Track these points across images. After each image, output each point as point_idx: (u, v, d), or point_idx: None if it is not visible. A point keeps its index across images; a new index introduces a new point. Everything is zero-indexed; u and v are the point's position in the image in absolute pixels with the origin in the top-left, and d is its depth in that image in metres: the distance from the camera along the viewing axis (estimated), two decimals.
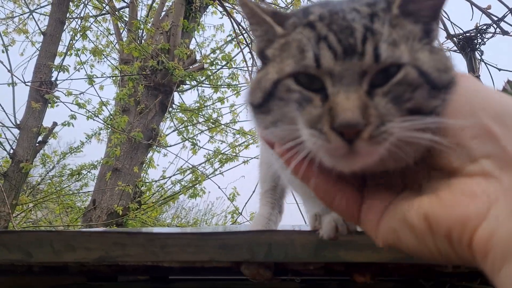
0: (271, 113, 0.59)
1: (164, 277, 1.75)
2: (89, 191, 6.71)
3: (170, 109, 5.93)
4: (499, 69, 2.14)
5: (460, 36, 2.06)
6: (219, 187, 4.20)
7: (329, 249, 0.77)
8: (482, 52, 2.05)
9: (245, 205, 3.72)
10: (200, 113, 6.20)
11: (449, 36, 2.10)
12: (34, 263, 0.87)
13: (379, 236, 0.55)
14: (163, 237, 0.79)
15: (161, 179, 6.05)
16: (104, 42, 7.37)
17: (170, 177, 6.06)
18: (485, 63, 2.04)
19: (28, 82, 4.26)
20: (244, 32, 4.50)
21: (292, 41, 0.58)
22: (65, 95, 5.42)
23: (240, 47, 3.59)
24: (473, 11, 2.04)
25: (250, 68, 3.66)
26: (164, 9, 6.95)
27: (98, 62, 6.85)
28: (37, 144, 4.83)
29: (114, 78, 6.74)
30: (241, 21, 4.16)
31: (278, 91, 0.58)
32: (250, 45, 3.72)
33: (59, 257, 0.83)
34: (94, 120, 5.82)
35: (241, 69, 6.43)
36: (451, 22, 2.13)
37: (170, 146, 5.94)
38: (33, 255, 0.83)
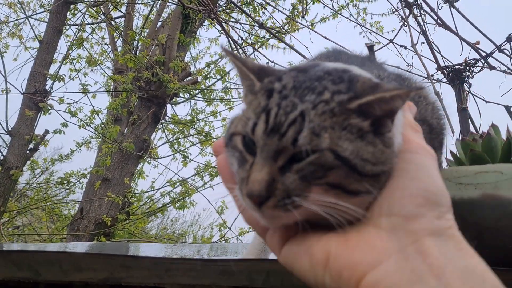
0: (229, 151, 0.67)
1: None
2: (76, 200, 6.68)
3: (163, 120, 5.96)
4: (486, 101, 2.24)
5: (450, 69, 2.15)
6: (209, 201, 4.25)
7: None
8: (470, 85, 2.15)
9: (234, 221, 3.75)
10: (192, 126, 6.24)
11: (439, 68, 2.19)
12: (42, 281, 0.91)
13: (282, 254, 0.63)
14: (167, 261, 0.84)
15: (151, 190, 6.05)
16: (98, 51, 7.41)
17: (159, 188, 6.07)
18: (473, 95, 2.14)
19: (25, 93, 4.26)
20: (239, 48, 4.59)
21: (253, 102, 0.64)
22: (58, 103, 5.45)
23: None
24: (462, 46, 2.14)
25: None
26: (160, 19, 7.03)
27: (92, 70, 6.89)
28: (27, 152, 4.83)
29: (108, 88, 6.76)
30: (238, 39, 4.24)
31: (232, 142, 0.65)
32: None
33: (67, 277, 0.87)
34: (86, 129, 5.82)
35: (234, 84, 6.51)
36: (442, 55, 2.23)
37: (161, 158, 5.96)
38: (41, 273, 0.87)
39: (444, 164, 1.03)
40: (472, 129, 1.95)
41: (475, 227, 0.78)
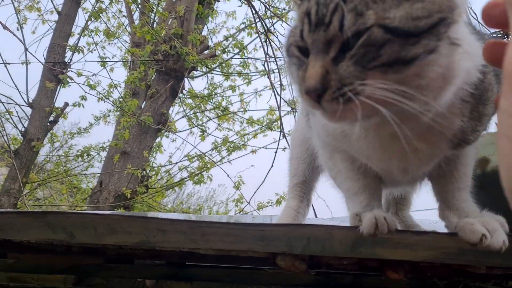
0: (290, 66, 0.69)
1: (181, 263, 1.78)
2: (95, 173, 6.75)
3: (180, 94, 5.93)
4: None
5: None
6: (227, 175, 4.23)
7: (366, 245, 0.79)
8: None
9: (253, 195, 3.75)
10: (210, 101, 6.20)
11: None
12: (75, 244, 0.89)
13: None
14: (204, 225, 0.81)
15: (168, 164, 6.08)
16: (115, 24, 7.35)
17: (177, 162, 6.09)
18: None
19: (46, 63, 4.25)
20: (259, 20, 4.49)
21: (299, 12, 0.65)
22: (77, 76, 5.44)
23: (259, 36, 3.58)
24: None
25: (267, 57, 3.65)
26: None
27: (109, 43, 6.85)
28: (48, 124, 4.87)
29: (125, 61, 6.72)
30: (259, 9, 4.14)
31: (289, 52, 0.67)
32: (266, 34, 3.71)
33: (100, 240, 0.85)
34: (104, 102, 5.82)
35: (253, 59, 6.42)
36: None
37: (179, 131, 5.95)
38: (76, 236, 0.85)
39: None
40: None
41: None
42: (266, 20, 4.57)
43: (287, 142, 3.12)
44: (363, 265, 0.85)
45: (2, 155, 4.76)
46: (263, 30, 3.91)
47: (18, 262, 1.83)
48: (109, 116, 7.01)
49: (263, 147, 5.50)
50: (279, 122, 6.23)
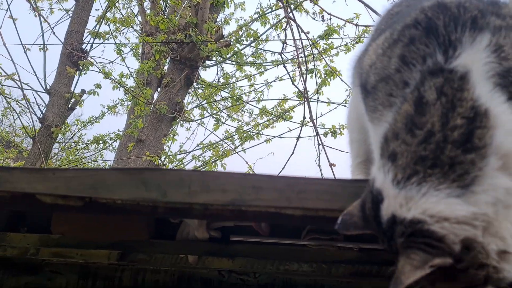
0: None
1: (225, 238, 1.80)
2: (108, 160, 6.78)
3: (195, 84, 5.94)
4: None
5: None
6: (246, 162, 4.25)
7: None
8: None
9: None
10: (224, 90, 6.20)
11: None
12: (161, 205, 0.90)
13: None
14: (303, 181, 0.82)
15: (183, 153, 6.10)
16: (124, 13, 7.33)
17: (191, 151, 6.11)
18: None
19: (65, 43, 4.25)
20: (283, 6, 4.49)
21: None
22: (92, 65, 5.44)
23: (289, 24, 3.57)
24: None
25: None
26: None
27: (120, 33, 6.84)
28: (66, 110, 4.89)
29: (138, 49, 6.71)
30: None
31: None
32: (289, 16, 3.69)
33: (192, 198, 0.86)
34: (120, 90, 5.83)
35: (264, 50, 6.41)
36: None
37: (195, 120, 5.97)
38: (168, 194, 0.86)
39: None
40: None
41: None
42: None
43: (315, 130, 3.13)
44: None
45: (20, 142, 4.77)
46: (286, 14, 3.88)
47: (63, 238, 1.85)
48: (122, 105, 7.03)
49: (277, 136, 5.51)
50: (291, 112, 6.26)
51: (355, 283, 1.80)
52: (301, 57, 3.96)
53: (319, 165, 3.68)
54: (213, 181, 0.84)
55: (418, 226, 0.68)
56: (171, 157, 5.82)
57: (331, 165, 2.69)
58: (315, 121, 3.56)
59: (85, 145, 7.21)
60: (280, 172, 3.83)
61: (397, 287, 0.65)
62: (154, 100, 5.90)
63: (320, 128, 5.70)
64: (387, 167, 0.73)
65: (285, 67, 5.12)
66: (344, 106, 5.06)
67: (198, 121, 6.03)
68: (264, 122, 6.17)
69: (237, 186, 0.84)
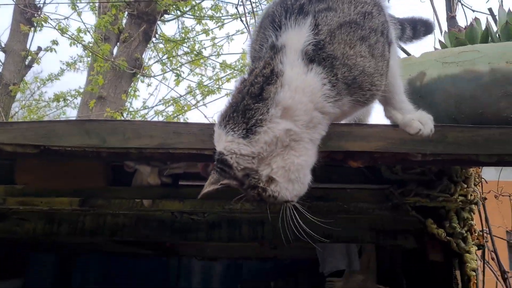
0: None
1: (175, 183, 2.02)
2: (71, 117, 6.80)
3: (154, 38, 5.95)
4: (473, 11, 2.41)
5: None
6: (205, 116, 4.43)
7: (333, 140, 1.05)
8: None
9: None
10: (183, 45, 6.25)
11: None
12: (104, 150, 1.11)
13: None
14: (212, 127, 1.04)
15: (145, 108, 6.20)
16: None
17: (153, 106, 6.22)
18: (462, 4, 2.30)
19: (19, 4, 4.20)
20: None
21: None
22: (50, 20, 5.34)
23: None
24: None
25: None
26: None
27: None
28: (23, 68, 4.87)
29: (94, 4, 6.59)
30: None
31: None
32: None
33: (127, 143, 1.07)
34: (77, 46, 5.80)
35: (224, 2, 6.43)
36: None
37: (154, 76, 6.03)
38: (107, 141, 1.07)
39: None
40: None
41: (456, 98, 1.00)
42: None
43: None
44: (332, 158, 1.11)
45: None
46: None
47: (27, 187, 2.05)
48: (81, 61, 6.97)
49: None
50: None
51: None
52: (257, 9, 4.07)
53: None
54: (142, 129, 1.05)
55: (220, 156, 0.97)
56: (133, 113, 5.92)
57: None
58: None
59: (46, 103, 7.14)
60: None
61: (199, 195, 1.02)
62: (113, 56, 5.90)
63: None
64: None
65: (242, 20, 5.22)
66: None
67: (158, 77, 6.09)
68: (226, 76, 6.31)
69: (161, 133, 1.05)
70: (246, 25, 3.79)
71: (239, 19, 5.68)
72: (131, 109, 6.04)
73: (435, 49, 1.16)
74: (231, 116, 0.96)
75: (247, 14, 5.58)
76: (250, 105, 0.94)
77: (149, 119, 6.80)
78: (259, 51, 1.07)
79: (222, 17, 6.42)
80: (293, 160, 0.95)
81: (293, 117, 0.95)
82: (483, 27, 1.10)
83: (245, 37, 7.21)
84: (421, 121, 0.98)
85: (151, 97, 6.35)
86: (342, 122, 1.14)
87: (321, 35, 0.98)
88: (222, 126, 0.97)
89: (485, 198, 2.09)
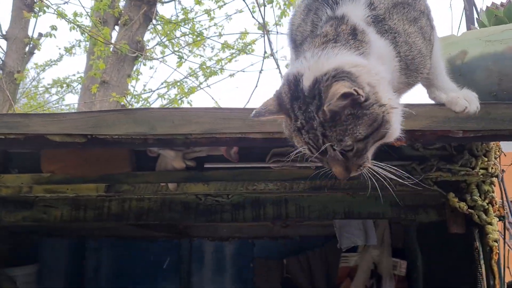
0: None
1: (200, 166, 2.05)
2: (72, 103, 6.78)
3: (154, 21, 5.89)
4: None
5: None
6: (212, 98, 4.44)
7: None
8: None
9: None
10: (184, 26, 6.19)
11: None
12: (150, 137, 1.13)
13: None
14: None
15: (148, 92, 6.19)
16: None
17: (156, 90, 6.20)
18: None
19: None
20: None
21: (295, 136, 0.98)
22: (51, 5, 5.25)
23: None
24: None
25: None
26: None
27: None
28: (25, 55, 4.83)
29: None
30: None
31: None
32: None
33: (177, 130, 1.09)
34: (76, 31, 5.73)
35: None
36: None
37: (157, 59, 5.99)
38: (156, 128, 1.09)
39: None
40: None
41: (498, 75, 1.03)
42: None
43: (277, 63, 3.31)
44: None
45: None
46: None
47: (53, 175, 2.07)
48: (80, 46, 6.91)
49: (240, 71, 5.67)
50: (252, 45, 6.37)
51: (314, 196, 2.14)
52: None
53: None
54: (191, 115, 1.07)
55: (339, 70, 0.92)
56: (137, 96, 5.91)
57: None
58: (275, 54, 3.76)
59: (45, 89, 7.11)
60: (246, 104, 4.07)
61: (330, 96, 0.88)
62: (114, 40, 5.84)
63: (283, 60, 5.88)
64: (301, 57, 1.01)
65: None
66: None
67: (161, 59, 6.05)
68: (227, 56, 6.27)
69: (209, 119, 1.07)
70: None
71: None
72: (135, 93, 6.02)
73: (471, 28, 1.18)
74: (337, 39, 0.97)
75: None
76: (351, 39, 0.97)
77: (152, 103, 6.80)
78: (312, 31, 1.08)
79: None
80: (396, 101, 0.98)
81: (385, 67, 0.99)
82: None
83: (244, 16, 7.13)
84: (467, 99, 1.01)
85: (152, 80, 6.30)
86: None
87: (378, 11, 1.01)
88: (320, 53, 0.96)
89: (503, 170, 2.13)
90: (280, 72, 3.74)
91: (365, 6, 1.02)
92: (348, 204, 2.09)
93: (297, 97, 0.95)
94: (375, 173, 1.00)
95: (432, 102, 1.12)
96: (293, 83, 0.97)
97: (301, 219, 2.14)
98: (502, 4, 1.13)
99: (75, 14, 6.17)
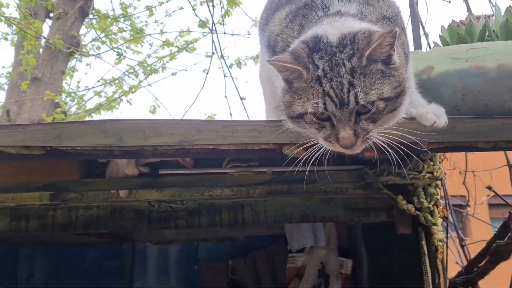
0: (300, 123, 1.02)
1: (154, 173, 1.98)
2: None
3: (91, 15, 5.61)
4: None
5: None
6: (156, 98, 4.32)
7: None
8: None
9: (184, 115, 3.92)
10: (123, 22, 5.96)
11: None
12: (116, 148, 1.06)
13: None
14: (234, 124, 1.04)
15: (84, 90, 5.89)
16: None
17: (92, 87, 5.92)
18: None
19: None
20: None
21: (310, 89, 0.96)
22: None
23: None
24: None
25: None
26: None
27: None
28: None
29: None
30: None
31: (304, 118, 0.98)
32: None
33: (147, 142, 1.04)
34: (3, 23, 5.31)
35: None
36: None
37: (94, 55, 5.71)
38: (124, 140, 1.03)
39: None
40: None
41: (462, 91, 1.08)
42: None
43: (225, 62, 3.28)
44: None
45: None
46: None
47: None
48: (6, 39, 6.42)
49: (183, 70, 5.57)
50: (194, 44, 6.27)
51: (270, 200, 2.14)
52: None
53: (226, 97, 3.91)
54: (163, 127, 1.02)
55: (372, 30, 0.98)
56: (72, 94, 5.60)
57: (242, 98, 2.93)
58: (221, 51, 3.71)
59: None
60: (191, 106, 4.00)
61: (374, 40, 0.94)
62: (47, 34, 5.48)
63: (227, 59, 5.85)
64: (315, 26, 1.04)
65: None
66: (248, 37, 5.23)
67: (98, 56, 5.78)
68: (168, 55, 6.12)
69: (182, 130, 1.03)
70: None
71: None
72: (70, 91, 5.70)
73: (434, 43, 1.25)
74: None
75: None
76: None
77: (87, 101, 6.47)
78: (300, 32, 1.10)
79: None
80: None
81: None
82: (475, 21, 1.19)
83: (184, 13, 7.04)
84: (436, 114, 1.06)
85: (90, 77, 6.00)
86: None
87: (370, 19, 1.07)
88: (342, 18, 1.02)
89: (445, 173, 2.27)
90: (224, 73, 3.71)
91: (357, 11, 1.07)
92: (304, 208, 2.12)
93: (318, 49, 0.97)
94: (381, 147, 1.00)
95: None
96: (312, 41, 0.99)
97: (258, 224, 2.13)
98: (462, 22, 1.20)
99: (1, 5, 5.74)
